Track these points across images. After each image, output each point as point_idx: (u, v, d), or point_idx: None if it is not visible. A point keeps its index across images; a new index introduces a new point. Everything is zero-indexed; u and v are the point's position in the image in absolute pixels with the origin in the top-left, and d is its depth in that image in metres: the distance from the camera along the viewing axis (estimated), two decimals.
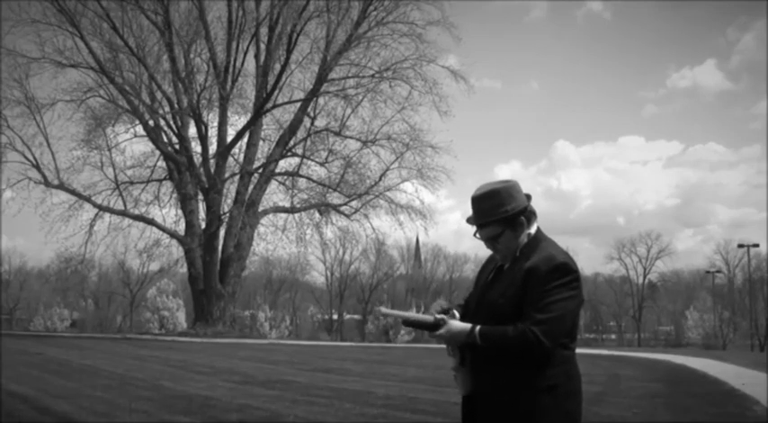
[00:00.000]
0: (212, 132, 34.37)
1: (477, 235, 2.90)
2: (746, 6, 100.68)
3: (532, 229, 2.87)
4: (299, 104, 34.03)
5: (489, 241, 2.88)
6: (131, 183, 35.33)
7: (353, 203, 35.53)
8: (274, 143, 34.99)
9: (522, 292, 2.73)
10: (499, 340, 2.70)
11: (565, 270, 2.73)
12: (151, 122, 33.95)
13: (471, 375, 2.83)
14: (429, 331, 2.86)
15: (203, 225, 34.30)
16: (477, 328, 2.74)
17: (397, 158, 34.62)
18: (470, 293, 3.07)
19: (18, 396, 10.53)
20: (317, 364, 17.46)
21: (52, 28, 31.31)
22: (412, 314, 2.99)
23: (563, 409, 2.72)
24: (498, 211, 2.81)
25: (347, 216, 35.66)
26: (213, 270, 33.68)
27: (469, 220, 2.90)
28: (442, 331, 2.81)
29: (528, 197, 2.90)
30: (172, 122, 34.67)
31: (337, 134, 34.63)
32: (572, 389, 2.77)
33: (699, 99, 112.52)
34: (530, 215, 2.86)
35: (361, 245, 41.30)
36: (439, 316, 2.85)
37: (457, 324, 2.81)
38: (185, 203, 34.63)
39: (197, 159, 34.16)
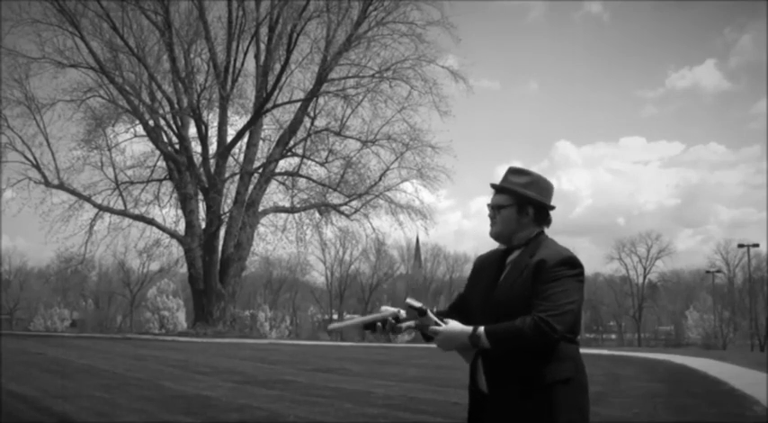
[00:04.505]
0: (212, 132, 34.48)
1: (490, 202, 2.92)
2: (744, 7, 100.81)
3: (539, 229, 2.89)
4: (299, 104, 34.05)
5: (494, 209, 2.90)
6: (131, 183, 35.35)
7: (353, 203, 35.57)
8: (274, 143, 35.00)
9: (531, 286, 2.71)
10: (511, 336, 2.63)
11: (572, 263, 2.74)
12: (151, 122, 33.98)
13: (482, 371, 2.78)
14: (417, 322, 2.73)
15: (203, 225, 34.32)
16: (481, 328, 2.66)
17: (397, 158, 34.72)
18: (460, 295, 3.04)
19: (18, 396, 10.52)
20: (317, 364, 17.44)
21: (52, 28, 31.43)
22: (368, 316, 2.76)
23: (577, 403, 2.71)
24: (520, 186, 2.86)
25: (347, 216, 35.69)
26: (213, 270, 33.69)
27: (493, 185, 2.94)
28: (438, 337, 2.74)
29: (552, 207, 2.92)
30: (172, 122, 34.69)
31: (337, 134, 34.65)
32: (583, 382, 2.77)
33: (698, 99, 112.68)
34: (544, 215, 2.90)
35: (361, 245, 41.42)
36: (417, 304, 2.72)
37: (455, 325, 2.74)
38: (185, 203, 34.65)
39: (197, 159, 34.18)
